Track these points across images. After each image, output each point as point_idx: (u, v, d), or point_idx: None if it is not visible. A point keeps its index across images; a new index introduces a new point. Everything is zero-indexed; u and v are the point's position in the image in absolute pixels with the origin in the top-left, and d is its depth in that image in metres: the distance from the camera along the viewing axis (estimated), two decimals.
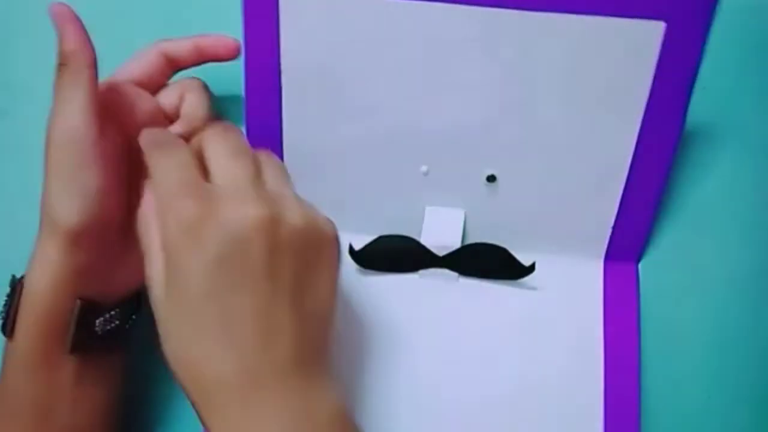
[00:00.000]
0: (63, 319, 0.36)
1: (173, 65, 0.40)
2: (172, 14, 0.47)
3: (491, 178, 0.41)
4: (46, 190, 0.35)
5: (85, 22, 0.36)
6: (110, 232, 0.37)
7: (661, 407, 0.41)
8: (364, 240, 0.42)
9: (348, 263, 0.42)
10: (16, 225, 0.44)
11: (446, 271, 0.42)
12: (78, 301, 0.36)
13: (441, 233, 0.42)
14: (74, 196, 0.35)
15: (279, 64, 0.39)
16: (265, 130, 0.40)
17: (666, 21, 0.36)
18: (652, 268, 0.43)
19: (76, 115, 0.34)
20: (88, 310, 0.36)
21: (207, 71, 0.41)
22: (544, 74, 0.38)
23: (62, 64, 0.35)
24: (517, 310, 0.42)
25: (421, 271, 0.42)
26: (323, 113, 0.40)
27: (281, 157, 0.41)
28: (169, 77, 0.41)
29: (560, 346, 0.41)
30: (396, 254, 0.42)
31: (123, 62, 0.40)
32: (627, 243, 0.42)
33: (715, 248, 0.43)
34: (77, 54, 0.35)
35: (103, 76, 0.39)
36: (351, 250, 0.42)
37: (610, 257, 0.42)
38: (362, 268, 0.43)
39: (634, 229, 0.42)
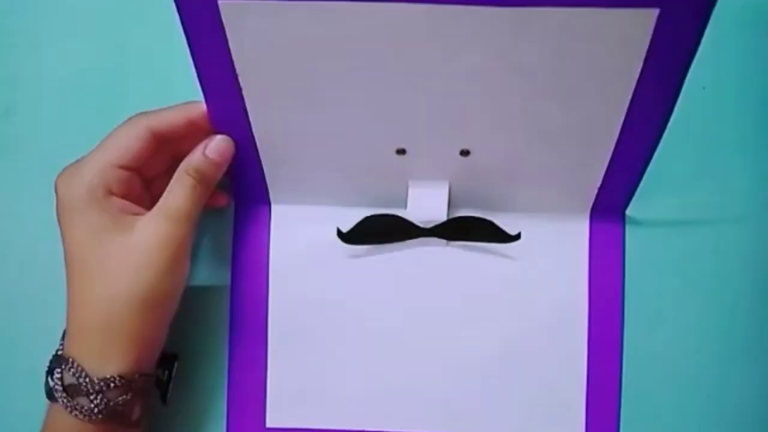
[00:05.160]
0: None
1: (162, 141, 0.39)
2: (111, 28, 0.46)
3: (465, 153, 0.40)
4: None
5: None
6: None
7: (643, 365, 0.42)
8: (351, 222, 0.43)
9: (337, 243, 0.43)
10: (19, 224, 0.46)
11: (435, 239, 0.43)
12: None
13: (426, 207, 0.42)
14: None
15: (234, 71, 0.37)
16: (233, 129, 0.40)
17: (660, 7, 0.33)
18: (639, 242, 0.43)
19: None
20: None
21: (161, 75, 0.43)
22: (528, 65, 0.35)
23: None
24: (504, 269, 0.43)
25: (410, 241, 0.43)
26: (291, 107, 0.39)
27: (255, 150, 0.41)
28: (156, 152, 0.39)
29: (546, 303, 0.43)
30: (384, 231, 0.43)
31: (100, 137, 0.38)
32: (613, 205, 0.42)
33: (706, 225, 0.43)
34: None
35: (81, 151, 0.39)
36: (339, 233, 0.43)
37: (595, 216, 0.42)
38: (351, 245, 0.43)
39: (616, 200, 0.42)
